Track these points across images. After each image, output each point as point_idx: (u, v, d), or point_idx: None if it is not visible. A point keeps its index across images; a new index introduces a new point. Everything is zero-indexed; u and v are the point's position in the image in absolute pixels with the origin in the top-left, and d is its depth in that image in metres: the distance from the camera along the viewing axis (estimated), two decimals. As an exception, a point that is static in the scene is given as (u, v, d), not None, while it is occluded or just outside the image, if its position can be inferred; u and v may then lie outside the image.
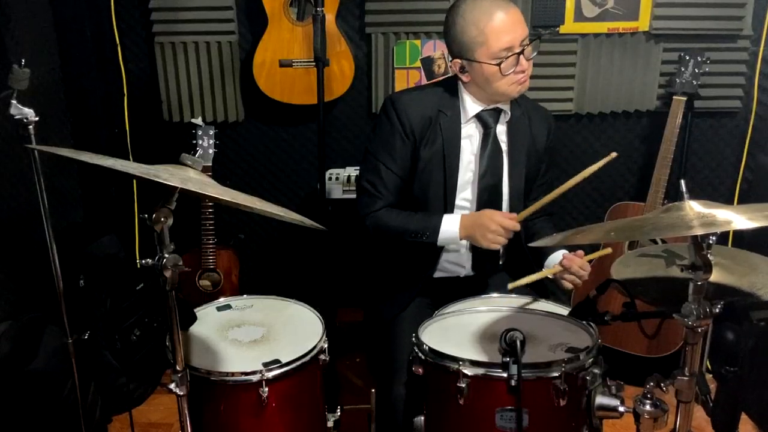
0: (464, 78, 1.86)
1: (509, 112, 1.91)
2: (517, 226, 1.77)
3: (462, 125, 1.89)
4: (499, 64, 1.76)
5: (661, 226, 1.26)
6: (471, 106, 1.88)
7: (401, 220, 1.87)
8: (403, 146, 1.88)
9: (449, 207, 1.90)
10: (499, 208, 1.92)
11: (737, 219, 1.18)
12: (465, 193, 1.91)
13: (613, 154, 1.69)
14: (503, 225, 1.75)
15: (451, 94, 1.90)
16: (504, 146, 1.93)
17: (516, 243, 2.00)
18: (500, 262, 2.05)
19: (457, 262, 1.99)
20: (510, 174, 1.93)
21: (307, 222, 1.47)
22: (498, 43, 1.75)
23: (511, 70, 1.77)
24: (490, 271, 2.03)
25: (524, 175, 1.95)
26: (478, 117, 1.89)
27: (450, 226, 1.83)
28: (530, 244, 1.58)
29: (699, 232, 1.17)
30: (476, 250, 1.95)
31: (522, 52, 1.77)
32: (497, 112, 1.90)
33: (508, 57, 1.76)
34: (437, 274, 2.01)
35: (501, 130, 1.92)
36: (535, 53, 1.83)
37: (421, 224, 1.85)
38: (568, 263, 1.78)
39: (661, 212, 1.31)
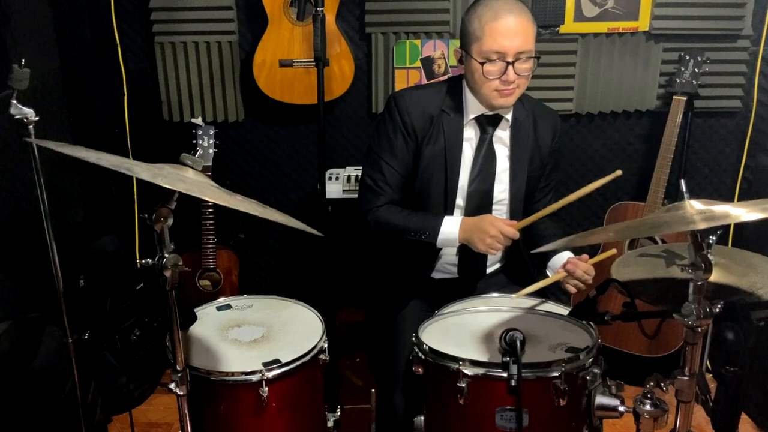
0: (461, 70, 1.86)
1: (510, 119, 1.90)
2: (517, 234, 1.75)
3: (464, 126, 1.89)
4: (483, 64, 1.74)
5: (663, 222, 1.26)
6: (472, 108, 1.87)
7: (402, 218, 1.87)
8: (405, 144, 1.88)
9: (449, 207, 1.90)
10: (489, 213, 1.91)
11: (738, 212, 1.18)
12: (461, 196, 1.91)
13: (618, 172, 1.69)
14: (503, 232, 1.73)
15: (454, 94, 1.89)
16: (506, 150, 1.92)
17: (514, 246, 2.00)
18: (486, 267, 2.03)
19: (453, 263, 1.99)
20: (511, 177, 1.93)
21: (307, 228, 1.47)
22: (491, 44, 1.73)
23: (495, 77, 1.75)
24: (475, 275, 2.02)
25: (526, 179, 1.94)
26: (477, 120, 1.88)
27: (450, 227, 1.82)
28: (533, 251, 1.57)
29: (701, 226, 1.17)
30: (463, 254, 1.95)
31: (512, 63, 1.73)
32: (498, 118, 1.89)
33: (495, 61, 1.73)
34: (436, 275, 2.01)
35: (503, 135, 1.92)
36: (529, 72, 1.77)
37: (422, 224, 1.85)
38: (573, 268, 1.76)
39: (662, 212, 1.32)
